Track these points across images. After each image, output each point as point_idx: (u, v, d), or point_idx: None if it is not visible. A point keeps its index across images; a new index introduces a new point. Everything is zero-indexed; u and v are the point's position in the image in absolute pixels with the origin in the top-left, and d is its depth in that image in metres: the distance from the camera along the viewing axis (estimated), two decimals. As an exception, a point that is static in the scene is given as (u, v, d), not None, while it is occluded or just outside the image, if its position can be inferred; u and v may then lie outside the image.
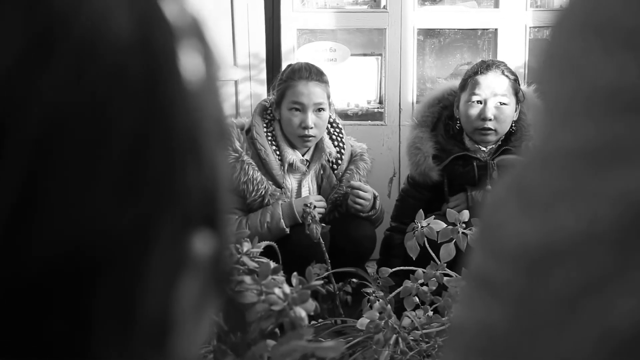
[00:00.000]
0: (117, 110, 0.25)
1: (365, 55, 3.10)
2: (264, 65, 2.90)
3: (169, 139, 0.27)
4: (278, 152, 2.23)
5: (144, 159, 0.26)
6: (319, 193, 2.29)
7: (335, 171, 2.30)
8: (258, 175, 2.16)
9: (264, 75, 2.90)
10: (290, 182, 2.25)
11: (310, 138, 2.20)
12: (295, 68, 2.27)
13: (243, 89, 2.91)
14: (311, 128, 2.18)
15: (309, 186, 2.28)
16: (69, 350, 0.25)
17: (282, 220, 2.13)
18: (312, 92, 2.19)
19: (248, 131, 2.26)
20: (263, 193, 2.16)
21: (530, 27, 2.98)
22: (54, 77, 0.24)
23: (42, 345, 0.25)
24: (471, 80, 2.21)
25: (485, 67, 2.20)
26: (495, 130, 2.19)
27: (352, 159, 2.35)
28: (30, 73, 0.24)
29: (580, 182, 0.22)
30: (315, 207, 1.87)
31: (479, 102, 2.19)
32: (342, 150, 2.33)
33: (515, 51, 2.96)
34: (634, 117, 0.22)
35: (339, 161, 2.31)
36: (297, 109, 2.19)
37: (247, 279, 1.17)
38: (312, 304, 1.16)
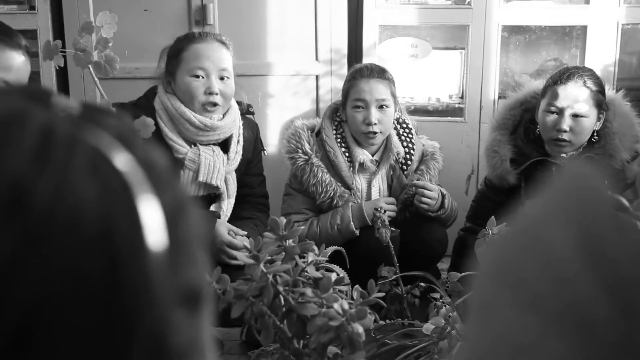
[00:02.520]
0: (77, 302, 0.28)
1: (448, 49, 3.06)
2: (345, 60, 2.93)
3: (128, 326, 0.29)
4: (347, 154, 2.26)
5: (102, 341, 0.29)
6: (390, 194, 2.30)
7: (405, 171, 2.31)
8: (327, 177, 2.20)
9: (345, 70, 2.92)
10: (360, 182, 2.28)
11: (376, 135, 2.22)
12: (357, 68, 2.31)
13: (324, 83, 2.95)
14: (375, 124, 2.19)
15: (379, 186, 2.30)
16: None
17: (351, 223, 2.16)
18: (373, 88, 2.21)
19: (318, 133, 2.30)
20: (332, 195, 2.20)
21: (622, 24, 2.86)
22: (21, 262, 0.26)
23: None
24: (550, 88, 2.16)
25: (566, 76, 2.14)
26: (570, 142, 2.14)
27: (423, 158, 2.34)
28: None
29: None
30: (385, 211, 1.90)
31: (556, 112, 2.14)
32: (412, 151, 2.32)
33: (605, 49, 2.85)
34: None
35: (409, 162, 2.32)
36: (360, 107, 2.22)
37: (309, 291, 1.21)
38: (370, 320, 1.19)
